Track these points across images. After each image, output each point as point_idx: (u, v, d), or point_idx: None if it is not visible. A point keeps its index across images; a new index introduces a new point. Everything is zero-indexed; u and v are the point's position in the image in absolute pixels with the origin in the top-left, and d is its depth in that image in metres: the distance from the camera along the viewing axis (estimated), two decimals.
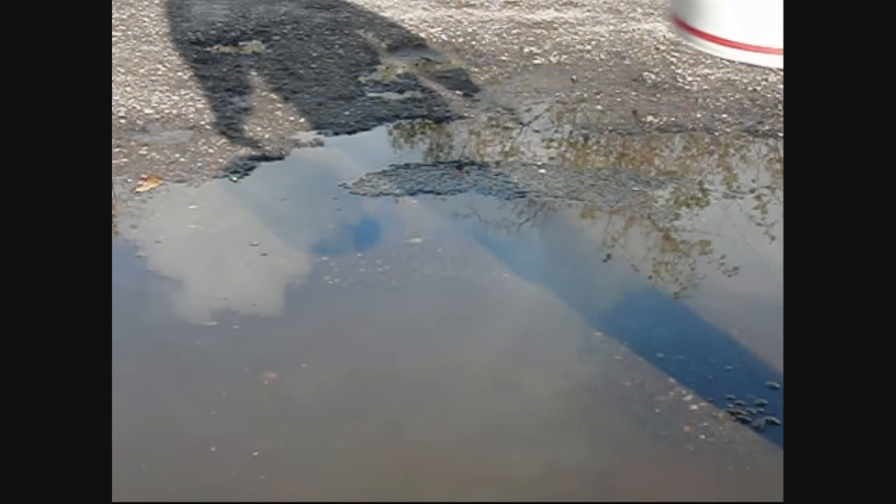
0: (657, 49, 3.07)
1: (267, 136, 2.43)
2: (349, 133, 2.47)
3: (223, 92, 2.69)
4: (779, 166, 2.32)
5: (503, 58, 2.99)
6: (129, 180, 2.19)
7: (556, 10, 3.48)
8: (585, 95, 2.73)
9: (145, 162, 2.29)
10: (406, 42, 3.09)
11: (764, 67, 1.17)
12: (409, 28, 3.21)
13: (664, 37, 3.17)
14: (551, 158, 2.35)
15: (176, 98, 2.64)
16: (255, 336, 1.65)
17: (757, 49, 1.16)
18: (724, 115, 2.59)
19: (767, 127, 2.49)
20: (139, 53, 2.93)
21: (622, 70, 2.91)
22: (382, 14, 3.36)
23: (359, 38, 3.11)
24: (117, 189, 2.13)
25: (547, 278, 1.82)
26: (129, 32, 3.10)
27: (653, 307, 1.74)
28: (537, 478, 1.37)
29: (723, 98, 2.70)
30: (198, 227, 1.99)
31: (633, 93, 2.74)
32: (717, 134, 2.49)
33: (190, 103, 2.60)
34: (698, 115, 2.60)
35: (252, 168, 2.27)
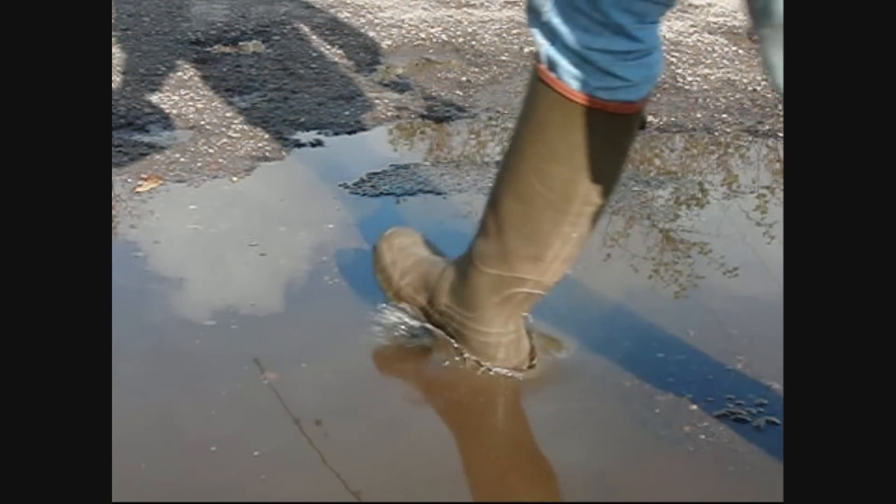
0: None
1: (267, 136, 2.43)
2: (349, 133, 2.47)
3: (223, 92, 2.69)
4: (779, 166, 2.32)
5: (503, 58, 2.99)
6: (129, 180, 2.19)
7: None
8: None
9: (145, 162, 2.29)
10: (406, 42, 3.09)
11: None
12: (409, 28, 3.21)
13: (664, 37, 3.17)
14: None
15: (176, 98, 2.64)
16: (255, 336, 1.65)
17: None
18: (724, 115, 2.59)
19: (767, 127, 2.49)
20: (139, 53, 2.93)
21: None
22: (382, 14, 3.36)
23: (359, 38, 3.11)
24: (117, 189, 2.13)
25: None
26: (129, 32, 3.10)
27: (653, 307, 1.74)
28: (538, 477, 1.37)
29: (723, 98, 2.70)
30: (197, 228, 1.99)
31: None
32: (717, 134, 2.49)
33: (190, 103, 2.60)
34: (698, 115, 2.60)
35: (252, 168, 2.27)
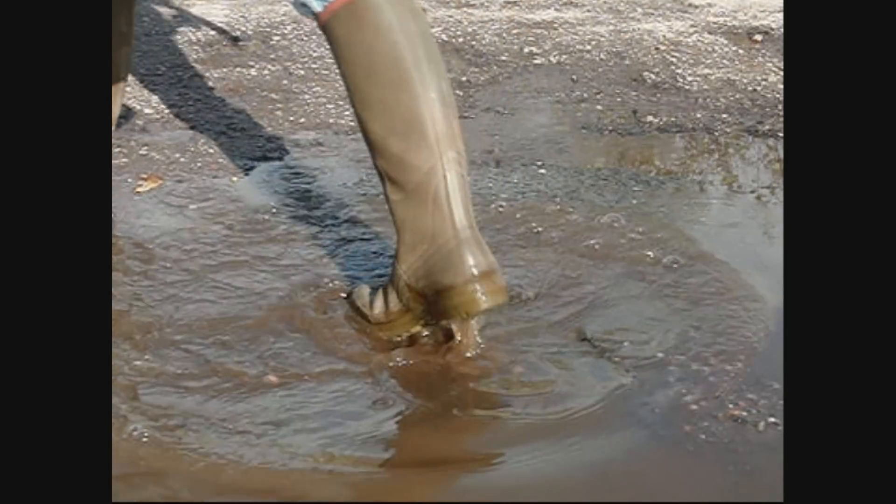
0: (657, 49, 3.07)
1: (267, 136, 2.43)
2: (349, 133, 2.47)
3: (223, 92, 2.69)
4: (779, 166, 2.32)
5: (503, 58, 2.99)
6: (129, 180, 2.19)
7: (556, 10, 3.49)
8: (585, 95, 2.73)
9: (145, 162, 2.29)
10: None
11: None
12: None
13: (664, 37, 3.17)
14: (551, 158, 2.35)
15: (176, 98, 2.64)
16: (255, 336, 1.65)
17: None
18: (724, 115, 2.59)
19: (767, 127, 2.49)
20: (139, 53, 2.93)
21: (622, 70, 2.91)
22: None
23: None
24: (117, 189, 2.14)
25: (546, 279, 1.82)
26: None
27: (652, 307, 1.74)
28: (538, 476, 1.37)
29: (723, 98, 2.70)
30: (198, 228, 1.99)
31: (633, 93, 2.75)
32: (717, 134, 2.49)
33: (190, 103, 2.61)
34: (698, 115, 2.60)
35: (252, 168, 2.27)
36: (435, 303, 1.56)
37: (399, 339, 1.64)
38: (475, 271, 1.53)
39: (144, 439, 1.39)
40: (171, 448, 1.38)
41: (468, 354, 1.59)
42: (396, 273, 1.60)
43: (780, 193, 2.20)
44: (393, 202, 1.58)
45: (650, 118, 2.58)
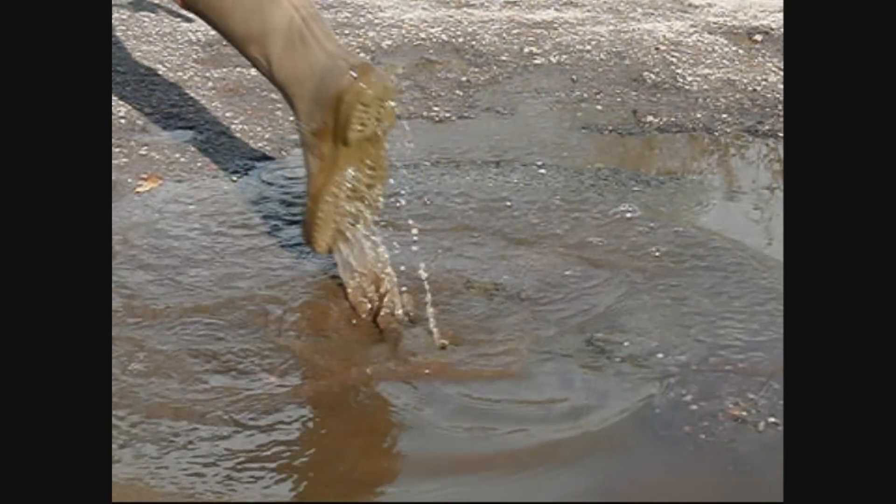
0: (657, 49, 3.07)
1: (267, 136, 2.43)
2: None
3: (223, 92, 2.69)
4: (779, 166, 2.32)
5: (503, 58, 2.99)
6: (129, 180, 2.19)
7: (556, 10, 3.49)
8: (585, 95, 2.73)
9: (145, 162, 2.29)
10: (406, 42, 3.09)
11: None
12: (409, 28, 3.21)
13: (664, 37, 3.17)
14: (551, 158, 2.35)
15: (176, 98, 2.64)
16: (256, 335, 1.65)
17: None
18: (724, 115, 2.59)
19: (767, 127, 2.49)
20: (139, 53, 2.93)
21: (622, 70, 2.91)
22: (382, 14, 3.36)
23: (359, 38, 3.11)
24: (117, 189, 2.13)
25: (546, 280, 1.82)
26: (129, 32, 3.10)
27: (652, 307, 1.74)
28: (539, 474, 1.37)
29: (723, 98, 2.70)
30: (197, 228, 1.99)
31: (633, 93, 2.75)
32: (717, 134, 2.49)
33: (190, 103, 2.60)
34: (698, 115, 2.60)
35: (252, 168, 2.27)
36: (336, 123, 1.66)
37: (328, 222, 1.70)
38: (352, 69, 1.64)
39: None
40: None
41: (399, 312, 1.66)
42: (301, 133, 1.73)
43: (780, 193, 2.20)
44: (276, 76, 1.73)
45: (650, 118, 2.58)
